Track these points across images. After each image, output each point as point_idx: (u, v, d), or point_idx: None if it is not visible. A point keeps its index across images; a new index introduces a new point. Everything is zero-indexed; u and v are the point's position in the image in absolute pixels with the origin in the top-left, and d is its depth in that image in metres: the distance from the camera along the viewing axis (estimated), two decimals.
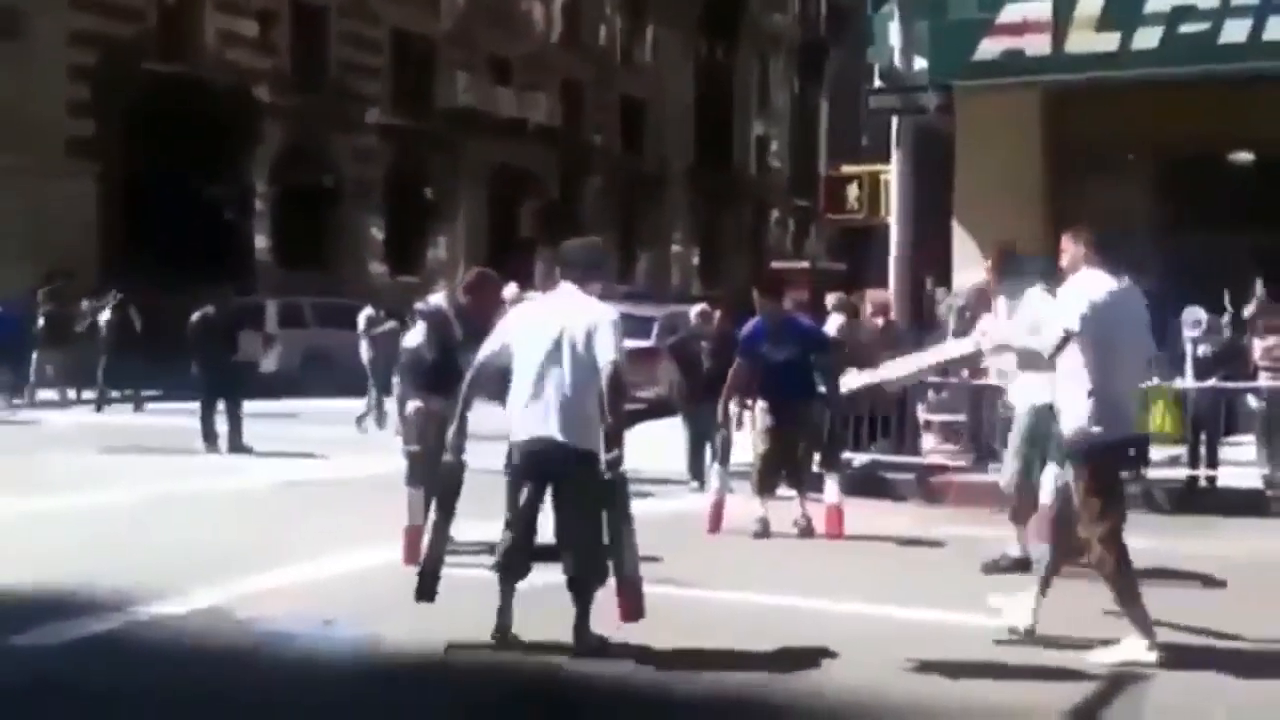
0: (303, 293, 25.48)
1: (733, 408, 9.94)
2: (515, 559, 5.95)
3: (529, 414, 5.86)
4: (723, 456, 9.73)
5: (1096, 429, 5.76)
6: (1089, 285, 5.87)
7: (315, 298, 25.14)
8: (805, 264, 33.46)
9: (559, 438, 5.79)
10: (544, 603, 5.99)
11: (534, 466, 5.88)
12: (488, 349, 6.09)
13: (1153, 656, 5.72)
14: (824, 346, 9.88)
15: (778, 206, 50.64)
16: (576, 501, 5.84)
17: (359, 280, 30.58)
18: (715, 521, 9.38)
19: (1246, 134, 14.78)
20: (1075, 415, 5.80)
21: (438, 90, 34.97)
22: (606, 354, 5.74)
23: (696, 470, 11.58)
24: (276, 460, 13.32)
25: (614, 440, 5.75)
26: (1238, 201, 15.04)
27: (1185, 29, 13.00)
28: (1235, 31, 12.85)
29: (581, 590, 5.90)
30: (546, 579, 5.97)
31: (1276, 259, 13.06)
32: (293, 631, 6.43)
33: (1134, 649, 5.77)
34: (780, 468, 9.42)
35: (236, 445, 13.98)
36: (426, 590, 6.07)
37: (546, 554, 5.92)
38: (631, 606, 5.87)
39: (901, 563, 8.38)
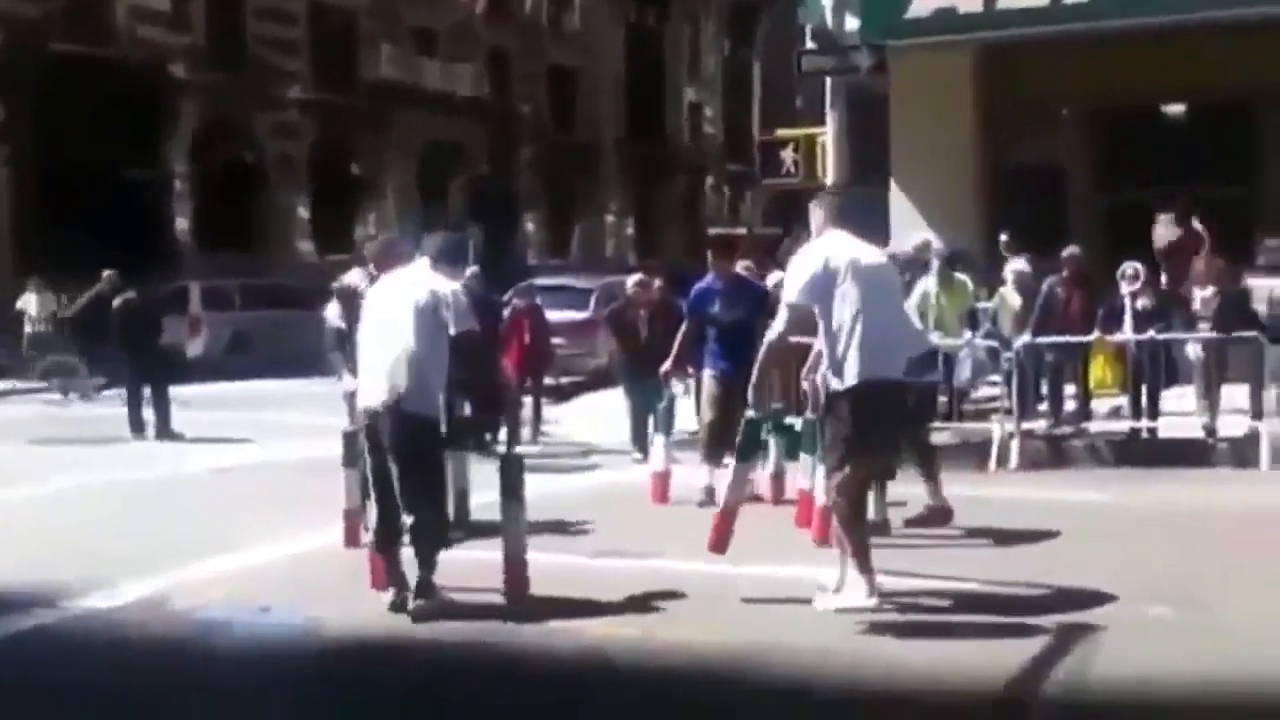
0: (227, 275, 25.16)
1: (674, 380, 9.93)
2: (385, 527, 6.21)
3: (369, 384, 6.18)
4: (666, 426, 9.74)
5: (835, 379, 6.00)
6: (816, 252, 6.10)
7: (241, 279, 24.84)
8: (742, 230, 33.54)
9: (392, 403, 6.04)
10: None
11: (375, 435, 6.15)
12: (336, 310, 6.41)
13: (872, 602, 5.96)
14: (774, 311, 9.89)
15: (712, 173, 50.67)
16: (411, 467, 6.08)
17: (285, 260, 30.25)
18: (659, 492, 9.39)
19: (1179, 85, 14.99)
20: (824, 368, 6.11)
21: (361, 63, 34.58)
22: (453, 324, 6.09)
23: (640, 441, 11.58)
24: (207, 446, 13.17)
25: (484, 404, 6.32)
26: (1172, 153, 15.24)
27: None
28: None
29: (420, 553, 6.12)
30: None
31: (1212, 210, 13.28)
32: (230, 619, 6.37)
33: (855, 596, 6.00)
34: (728, 435, 9.43)
35: (165, 432, 13.81)
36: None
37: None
38: (513, 587, 6.19)
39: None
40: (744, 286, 9.57)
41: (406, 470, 6.10)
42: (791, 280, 6.11)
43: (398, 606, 6.14)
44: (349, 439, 7.82)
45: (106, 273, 15.51)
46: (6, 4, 25.94)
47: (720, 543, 6.49)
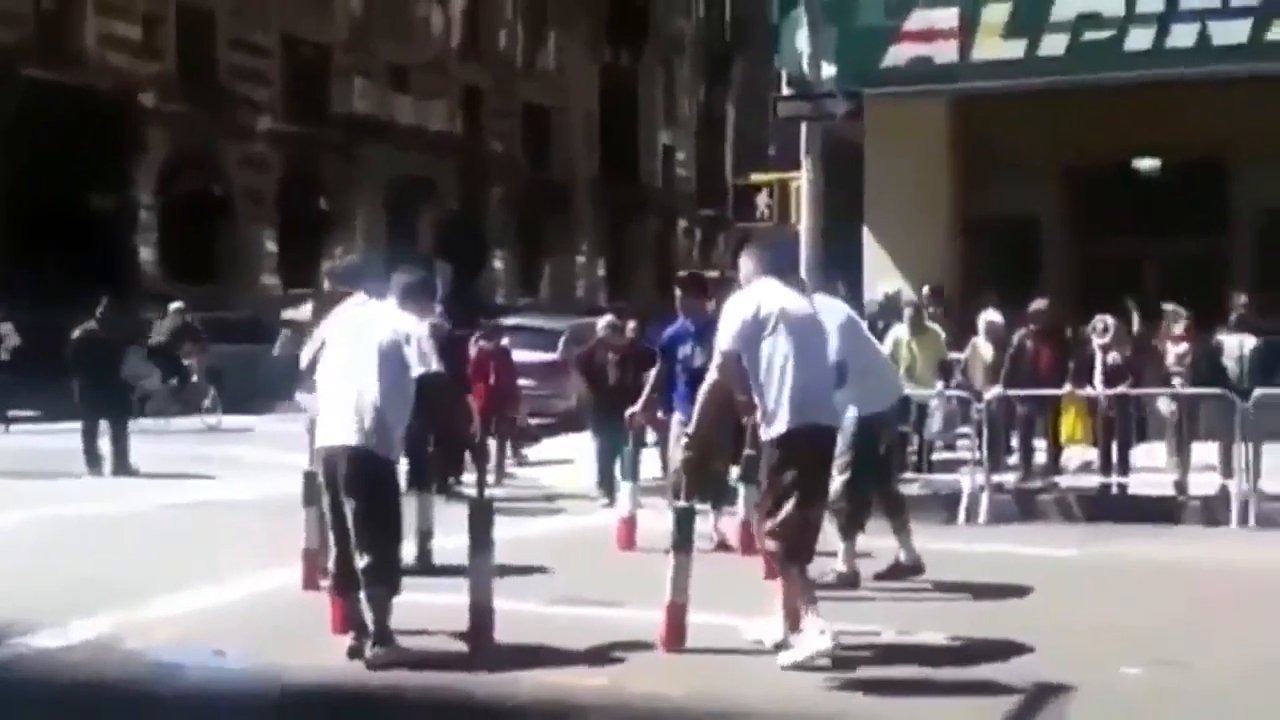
0: (192, 307, 24.95)
1: (642, 426, 9.88)
2: (342, 570, 6.12)
3: (328, 422, 6.12)
4: (632, 471, 9.69)
5: (765, 427, 6.08)
6: (745, 300, 6.20)
7: (205, 313, 24.64)
8: (714, 273, 33.59)
9: (350, 443, 5.99)
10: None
11: (332, 475, 6.10)
12: (308, 352, 6.38)
13: (825, 641, 5.87)
14: None
15: (685, 216, 50.84)
16: (367, 509, 6.01)
17: (251, 293, 30.07)
18: (626, 538, 9.33)
19: (1152, 140, 15.18)
20: (759, 415, 6.15)
21: (333, 97, 34.57)
22: (417, 365, 6.04)
23: (607, 485, 11.51)
24: (165, 482, 13.02)
25: (449, 446, 6.10)
26: (1144, 208, 15.42)
27: (1090, 36, 13.32)
28: (1140, 39, 13.20)
29: (372, 598, 6.03)
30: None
31: (1182, 265, 13.41)
32: (183, 662, 6.24)
33: (809, 639, 5.93)
34: (694, 479, 9.37)
35: (122, 467, 13.63)
36: None
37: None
38: (477, 634, 6.16)
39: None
40: (716, 328, 9.53)
41: (363, 512, 6.02)
42: (723, 328, 6.19)
43: (355, 652, 6.05)
44: (309, 478, 7.73)
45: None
46: None
47: (673, 639, 6.24)
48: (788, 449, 6.00)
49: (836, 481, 7.84)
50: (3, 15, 26.65)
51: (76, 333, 14.12)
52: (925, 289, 13.65)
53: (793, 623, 6.11)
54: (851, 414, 7.67)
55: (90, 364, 13.91)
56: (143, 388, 19.03)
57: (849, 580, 7.63)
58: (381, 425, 6.00)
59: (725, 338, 6.16)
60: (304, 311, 8.57)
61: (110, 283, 19.26)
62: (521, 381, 14.28)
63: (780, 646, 6.11)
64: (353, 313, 6.64)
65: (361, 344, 6.12)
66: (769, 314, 6.08)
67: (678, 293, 9.71)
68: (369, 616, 6.08)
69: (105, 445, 13.73)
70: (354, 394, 6.02)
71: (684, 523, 6.45)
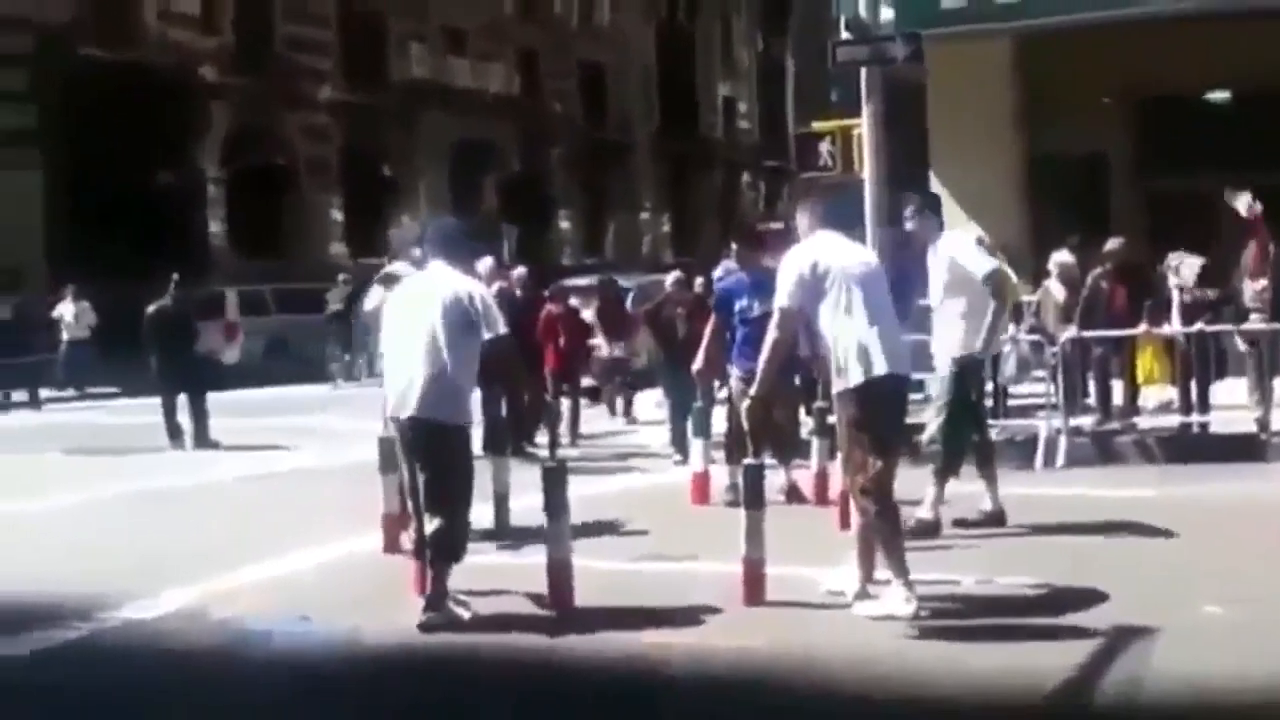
0: (260, 279, 25.32)
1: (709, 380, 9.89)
2: (420, 536, 6.16)
3: (400, 389, 6.11)
4: (703, 428, 9.71)
5: (841, 379, 6.02)
6: (802, 254, 6.15)
7: (276, 284, 24.99)
8: (778, 225, 33.40)
9: (418, 414, 6.01)
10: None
11: (405, 444, 6.15)
12: (375, 299, 6.34)
13: (909, 609, 5.85)
14: None
15: (748, 168, 50.58)
16: (436, 475, 6.04)
17: (318, 263, 30.40)
18: (699, 493, 9.38)
19: (1222, 72, 14.82)
20: (831, 368, 6.11)
21: (390, 64, 34.71)
22: (480, 328, 6.01)
23: (680, 442, 11.54)
24: (245, 454, 13.24)
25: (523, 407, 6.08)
26: (1216, 141, 15.07)
27: None
28: None
29: (433, 561, 6.07)
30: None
31: (1258, 199, 13.12)
32: (269, 629, 6.39)
33: (893, 602, 5.92)
34: (760, 433, 9.41)
35: (203, 440, 13.89)
36: None
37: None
38: (557, 595, 6.23)
39: None
40: (773, 279, 9.51)
41: (431, 479, 6.07)
42: (781, 283, 6.17)
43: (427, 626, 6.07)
44: (385, 444, 7.86)
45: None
46: (36, 10, 26.17)
47: (752, 594, 6.27)
48: (866, 401, 5.98)
49: (933, 425, 7.90)
50: None
51: (150, 309, 14.37)
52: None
53: (867, 571, 6.10)
54: (946, 356, 7.65)
55: (165, 340, 14.16)
56: (333, 355, 20.00)
57: (930, 528, 7.61)
58: (448, 391, 6.03)
59: (783, 294, 6.14)
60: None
61: (180, 258, 19.65)
62: (591, 341, 14.35)
63: (859, 596, 6.13)
64: (413, 278, 6.65)
65: (424, 309, 6.13)
66: (827, 268, 6.05)
67: (733, 245, 9.72)
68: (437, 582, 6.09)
69: (186, 419, 14.00)
70: (419, 361, 6.04)
71: (754, 479, 6.46)
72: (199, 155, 29.54)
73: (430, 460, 6.07)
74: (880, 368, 5.97)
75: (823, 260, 6.09)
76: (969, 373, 7.81)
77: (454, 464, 6.11)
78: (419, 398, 6.03)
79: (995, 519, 7.91)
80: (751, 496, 6.41)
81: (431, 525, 6.05)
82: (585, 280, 18.65)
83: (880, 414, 6.02)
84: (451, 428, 6.09)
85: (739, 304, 9.28)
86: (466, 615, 6.11)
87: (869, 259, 6.41)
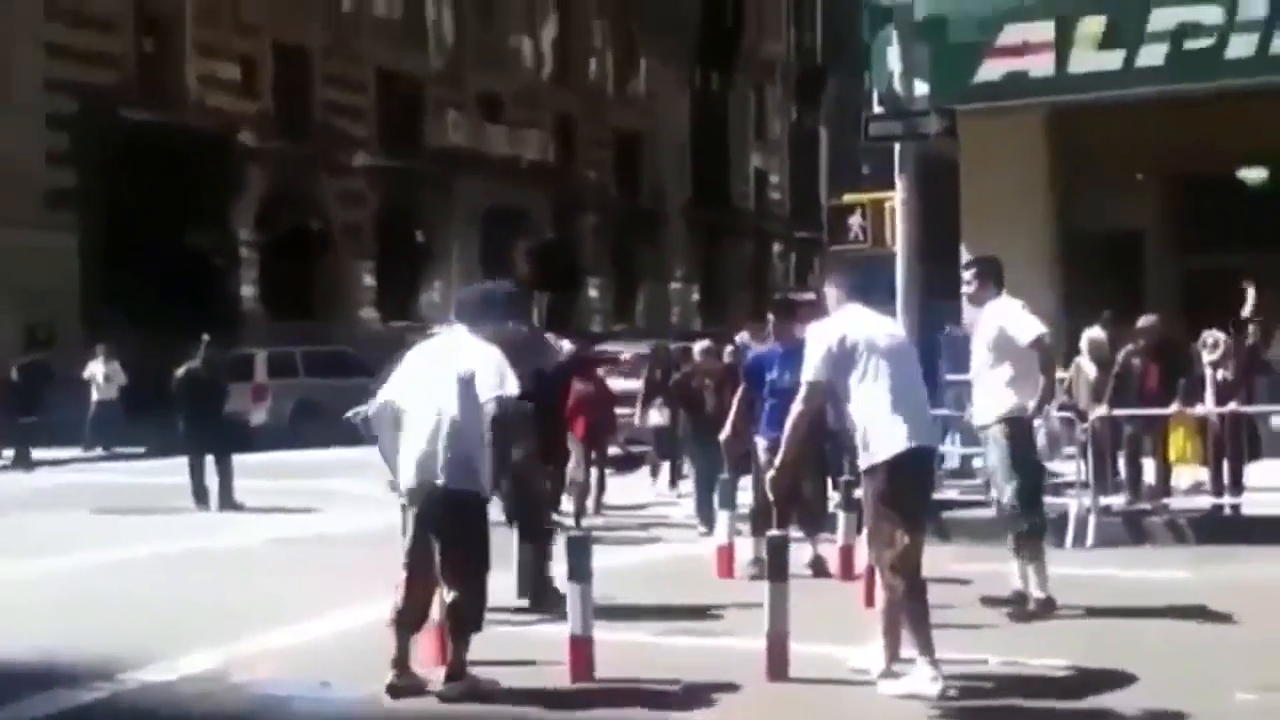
0: (291, 342, 25.50)
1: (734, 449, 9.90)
2: (409, 605, 6.15)
3: (415, 457, 6.05)
4: (729, 499, 9.69)
5: (869, 454, 5.99)
6: (830, 328, 6.15)
7: (306, 346, 25.16)
8: (809, 295, 33.46)
9: (434, 480, 5.98)
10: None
11: (416, 511, 6.08)
12: (387, 391, 6.27)
13: (935, 689, 5.77)
14: None
15: (779, 239, 50.75)
16: (455, 543, 5.99)
17: (350, 327, 30.62)
18: (724, 566, 9.34)
19: (1257, 150, 14.83)
20: (858, 442, 6.07)
21: (427, 130, 35.13)
22: (488, 391, 5.97)
23: (705, 513, 11.51)
24: (269, 516, 13.28)
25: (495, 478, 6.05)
26: (1250, 219, 15.05)
27: (1190, 45, 13.07)
28: (1242, 46, 12.92)
29: (454, 631, 6.03)
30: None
31: None
32: (290, 694, 6.38)
33: (919, 681, 5.84)
34: (786, 506, 9.41)
35: (228, 502, 13.94)
36: None
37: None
38: (578, 666, 6.17)
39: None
40: (794, 352, 9.60)
41: (451, 548, 6.01)
42: (809, 357, 6.15)
43: (394, 690, 6.03)
44: (406, 510, 7.86)
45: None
46: (82, 72, 26.68)
47: (776, 670, 6.19)
48: (893, 476, 5.95)
49: (1007, 491, 7.62)
50: (106, 58, 27.54)
51: (180, 371, 14.49)
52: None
53: (893, 649, 6.05)
54: (993, 415, 7.57)
55: (194, 401, 14.26)
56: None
57: (1048, 604, 7.46)
58: (463, 458, 5.97)
59: (810, 367, 6.13)
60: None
61: (212, 320, 19.85)
62: (618, 410, 14.37)
63: (884, 674, 6.07)
64: (431, 342, 6.60)
65: (439, 374, 6.10)
66: (855, 341, 6.05)
67: (770, 317, 9.79)
68: (447, 651, 6.07)
69: (211, 481, 14.05)
70: (433, 426, 5.99)
71: (778, 552, 6.40)
72: (234, 217, 29.90)
73: (448, 530, 6.01)
74: (908, 442, 5.95)
75: (851, 333, 6.09)
76: (1020, 433, 7.63)
77: (472, 533, 6.07)
78: (438, 466, 5.99)
79: (1045, 605, 7.59)
80: (775, 569, 6.35)
81: (451, 596, 6.01)
82: (614, 346, 18.71)
83: (907, 489, 5.99)
84: (470, 496, 6.05)
85: (770, 375, 9.31)
86: (488, 685, 6.07)
87: (897, 332, 6.43)
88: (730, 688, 6.19)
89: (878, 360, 6.03)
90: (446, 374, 6.09)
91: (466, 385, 6.02)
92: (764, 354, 9.61)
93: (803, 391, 6.22)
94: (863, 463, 6.10)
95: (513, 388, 6.06)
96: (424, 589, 6.11)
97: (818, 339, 6.17)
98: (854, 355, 6.04)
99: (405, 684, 6.07)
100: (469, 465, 6.00)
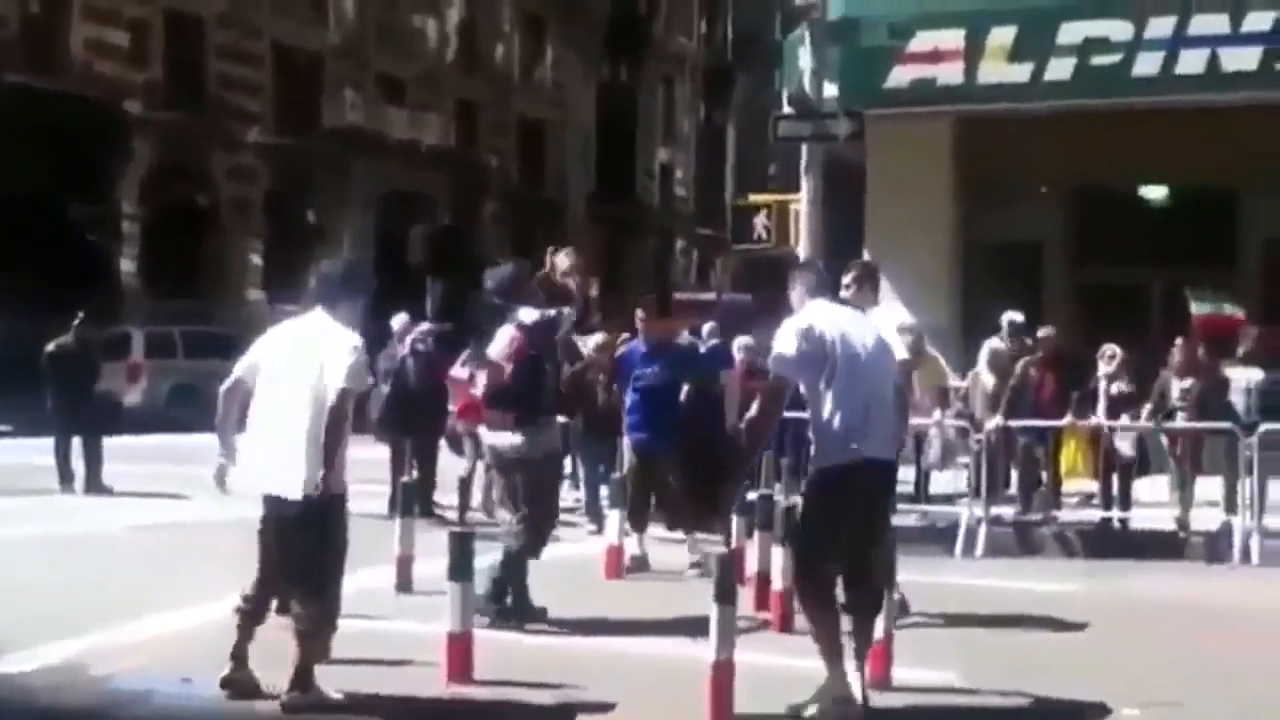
0: (173, 321, 24.95)
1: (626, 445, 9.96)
2: (257, 600, 5.95)
3: (257, 454, 5.83)
4: (617, 498, 9.68)
5: (815, 458, 5.84)
6: (796, 325, 5.90)
7: (186, 326, 24.63)
8: (711, 295, 33.60)
9: (280, 483, 5.73)
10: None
11: (265, 511, 5.84)
12: (242, 366, 6.00)
13: (842, 710, 5.63)
14: (708, 371, 10.01)
15: (682, 236, 50.88)
16: (298, 548, 5.76)
17: (234, 309, 30.03)
18: (612, 567, 9.31)
19: (1159, 167, 15.19)
20: (813, 443, 5.90)
21: (324, 108, 34.61)
22: (336, 381, 5.66)
23: (594, 511, 11.46)
24: (138, 501, 12.96)
25: (326, 468, 5.64)
26: (1150, 236, 15.42)
27: (1098, 61, 13.34)
28: (1148, 64, 13.21)
29: (303, 638, 5.80)
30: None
31: (1189, 292, 13.41)
32: (149, 688, 6.20)
33: (824, 699, 5.71)
34: (648, 501, 9.53)
35: (95, 485, 13.58)
36: None
37: None
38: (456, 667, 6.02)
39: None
40: (669, 348, 9.71)
41: (303, 552, 5.76)
42: (777, 354, 5.92)
43: (226, 683, 5.88)
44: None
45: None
46: None
47: (720, 710, 5.67)
48: (837, 484, 5.70)
49: None
50: None
51: (50, 346, 14.07)
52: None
53: (837, 675, 5.71)
54: None
55: (63, 379, 13.86)
56: None
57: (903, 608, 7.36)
58: (307, 458, 5.67)
59: (778, 365, 5.89)
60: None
61: (90, 294, 19.32)
62: None
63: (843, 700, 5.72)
64: (286, 329, 6.11)
65: (287, 367, 5.80)
66: (821, 336, 5.78)
67: (639, 313, 9.88)
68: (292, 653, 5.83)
69: (79, 463, 13.67)
70: (278, 424, 5.73)
71: (726, 570, 5.79)
72: (118, 190, 29.17)
73: (291, 534, 5.76)
74: (856, 453, 5.69)
75: (818, 328, 5.83)
76: None
77: (315, 538, 5.77)
78: (289, 466, 5.70)
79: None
80: (722, 590, 5.67)
81: (300, 601, 5.78)
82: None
83: (848, 501, 5.72)
84: (315, 499, 5.69)
85: (632, 371, 9.51)
86: (337, 696, 5.85)
87: (871, 329, 6.08)
88: (611, 692, 6.13)
89: (845, 360, 5.76)
90: (298, 369, 5.77)
91: (317, 379, 5.70)
92: (630, 350, 9.76)
93: (766, 389, 6.02)
94: (812, 465, 5.91)
95: (357, 381, 5.76)
96: (272, 584, 5.92)
97: (785, 334, 5.91)
98: (823, 351, 5.77)
99: (238, 679, 5.90)
100: (314, 466, 5.66)
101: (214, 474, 6.01)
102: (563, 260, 8.70)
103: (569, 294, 8.39)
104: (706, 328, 12.83)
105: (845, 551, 5.76)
